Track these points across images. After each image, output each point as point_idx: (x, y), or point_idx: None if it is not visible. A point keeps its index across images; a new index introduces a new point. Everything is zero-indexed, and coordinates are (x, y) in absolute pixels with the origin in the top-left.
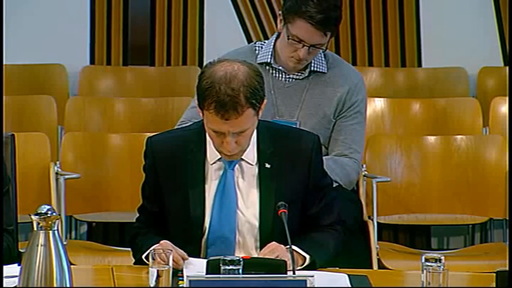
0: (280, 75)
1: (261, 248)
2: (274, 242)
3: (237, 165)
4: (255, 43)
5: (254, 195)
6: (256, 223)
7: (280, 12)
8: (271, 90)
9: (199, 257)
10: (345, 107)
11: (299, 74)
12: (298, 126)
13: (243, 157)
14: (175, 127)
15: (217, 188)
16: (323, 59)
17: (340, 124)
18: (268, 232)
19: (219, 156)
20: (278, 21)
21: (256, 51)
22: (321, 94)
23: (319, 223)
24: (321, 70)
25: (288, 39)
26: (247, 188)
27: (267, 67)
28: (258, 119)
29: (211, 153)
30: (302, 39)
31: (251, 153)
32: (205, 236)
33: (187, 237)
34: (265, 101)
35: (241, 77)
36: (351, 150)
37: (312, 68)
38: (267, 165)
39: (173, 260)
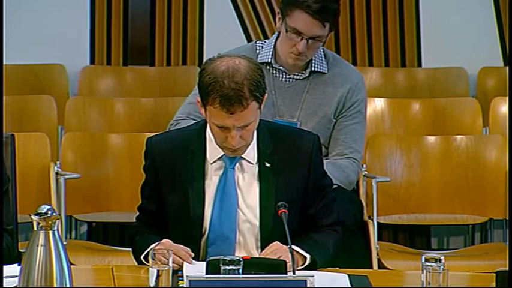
0: (281, 76)
1: (261, 248)
2: (277, 242)
3: (237, 164)
4: (255, 42)
5: (254, 195)
6: (257, 222)
7: (278, 10)
8: (272, 90)
9: (199, 257)
10: (345, 107)
11: (299, 74)
12: (298, 127)
13: (243, 156)
14: (171, 122)
15: (217, 187)
16: (323, 59)
17: (341, 124)
18: (268, 232)
19: (219, 155)
20: (277, 19)
21: (257, 51)
22: (321, 94)
23: (319, 223)
24: (321, 70)
25: (287, 32)
26: (248, 187)
27: (268, 67)
28: (260, 113)
29: (211, 152)
30: (300, 31)
31: (251, 152)
32: (205, 236)
33: (187, 236)
34: (266, 94)
35: (243, 71)
36: (351, 150)
37: (312, 68)
38: (267, 164)
39: (181, 258)
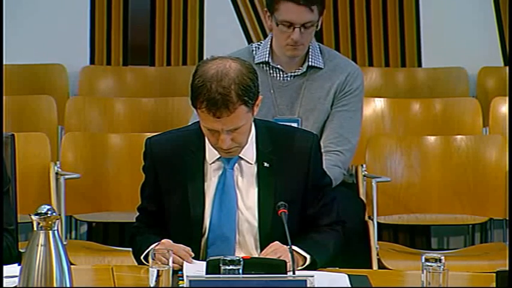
0: (278, 75)
1: (261, 248)
2: (277, 242)
3: (236, 165)
4: (251, 45)
5: (253, 195)
6: (255, 223)
7: (265, 8)
8: (270, 90)
9: (199, 257)
10: (339, 95)
11: (297, 70)
12: (300, 123)
13: (242, 156)
14: None
15: (216, 187)
16: (319, 54)
17: (332, 112)
18: (267, 232)
19: (218, 156)
20: (266, 18)
21: (254, 52)
22: (319, 88)
23: (319, 223)
24: (318, 65)
25: (278, 25)
26: (247, 187)
27: (265, 67)
28: (253, 115)
29: (211, 153)
30: (291, 21)
31: (250, 152)
32: (205, 236)
33: (187, 237)
34: (260, 97)
35: (232, 75)
36: (336, 135)
37: (310, 63)
38: (266, 165)
39: (181, 257)
